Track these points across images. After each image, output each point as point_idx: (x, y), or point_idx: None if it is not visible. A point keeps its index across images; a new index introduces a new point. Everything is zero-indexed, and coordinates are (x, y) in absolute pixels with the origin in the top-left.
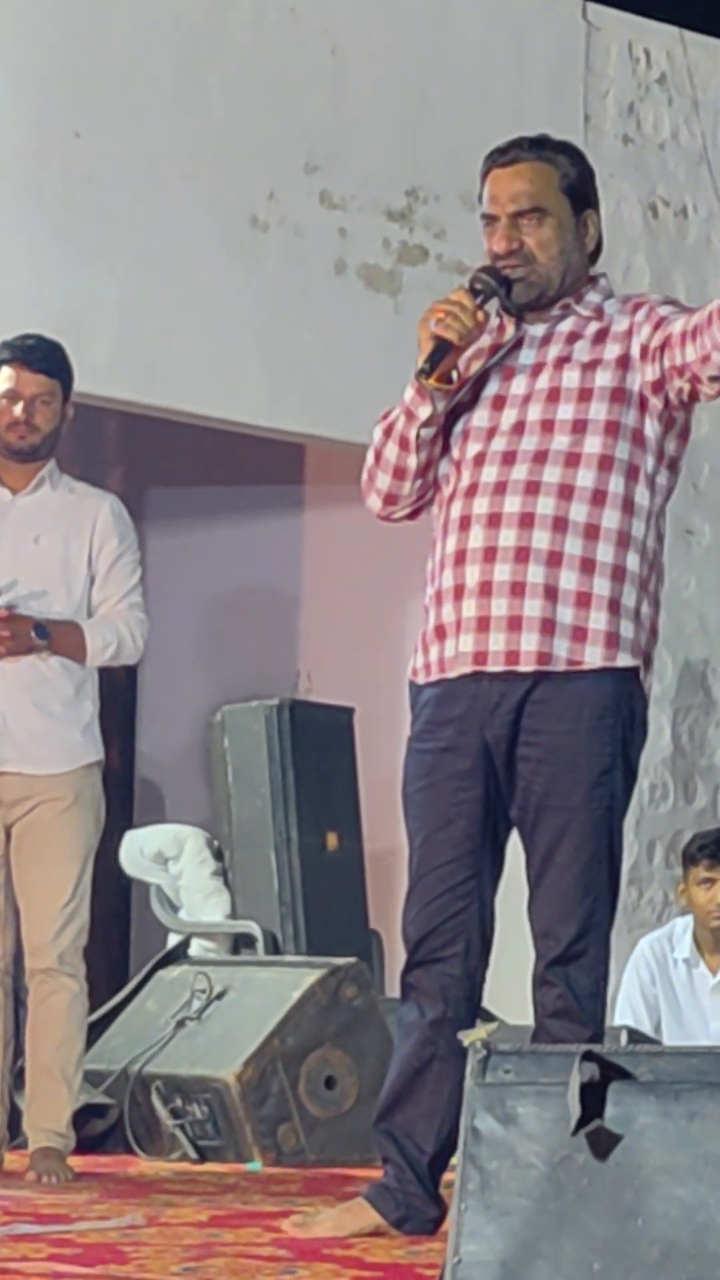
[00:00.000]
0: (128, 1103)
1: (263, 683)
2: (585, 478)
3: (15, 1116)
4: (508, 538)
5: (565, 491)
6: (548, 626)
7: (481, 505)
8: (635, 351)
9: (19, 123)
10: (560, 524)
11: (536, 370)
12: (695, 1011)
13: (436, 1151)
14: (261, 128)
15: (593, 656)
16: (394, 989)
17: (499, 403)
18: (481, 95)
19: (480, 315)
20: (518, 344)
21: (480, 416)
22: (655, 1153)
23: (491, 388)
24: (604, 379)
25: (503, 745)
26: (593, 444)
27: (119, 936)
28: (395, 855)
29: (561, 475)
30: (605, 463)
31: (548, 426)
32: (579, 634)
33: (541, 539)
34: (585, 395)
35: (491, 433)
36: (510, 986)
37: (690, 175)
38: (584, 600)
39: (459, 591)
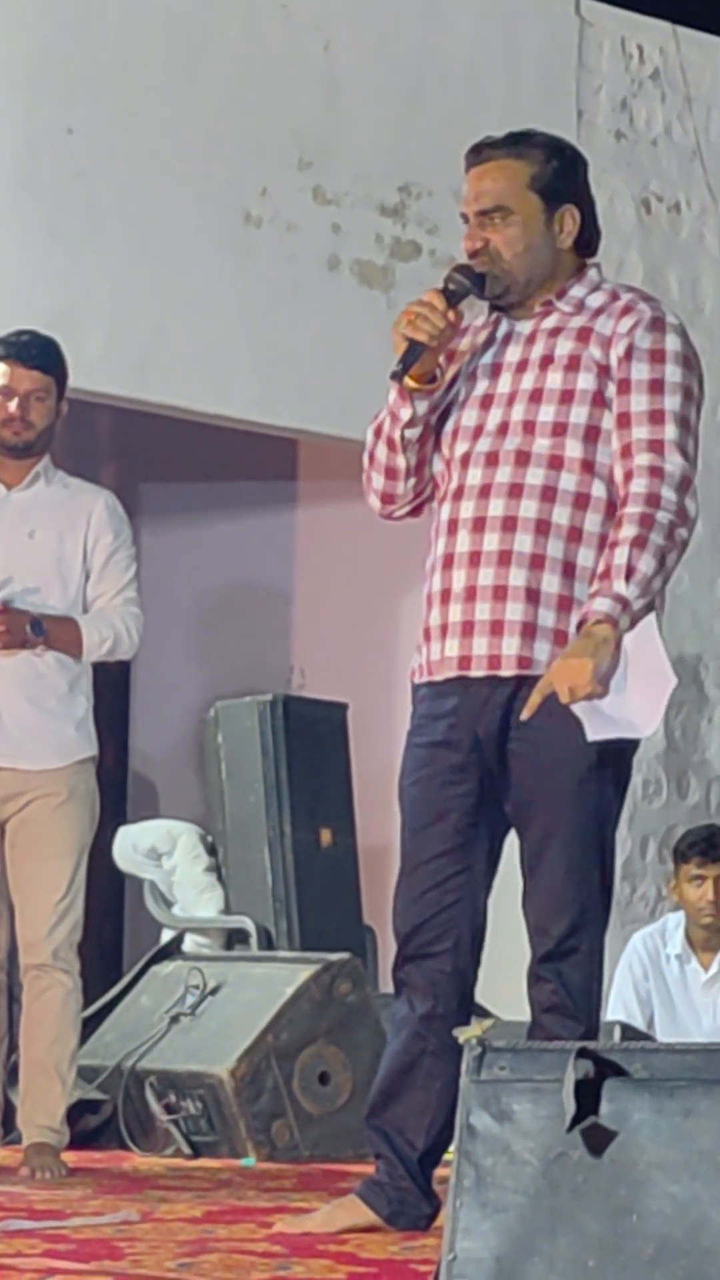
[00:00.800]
0: (122, 1098)
1: (256, 678)
2: (567, 481)
3: (9, 1112)
4: (491, 541)
5: (548, 494)
6: (529, 630)
7: (467, 509)
8: (612, 373)
9: (11, 118)
10: (543, 527)
11: (521, 368)
12: (688, 1007)
13: (427, 1147)
14: (254, 123)
15: None
16: (388, 985)
17: (486, 402)
18: (474, 91)
19: (451, 315)
20: (505, 341)
21: (469, 415)
22: (650, 1149)
23: (480, 386)
24: (585, 381)
25: (493, 741)
26: (573, 447)
27: (113, 932)
28: (389, 851)
29: (544, 478)
30: (586, 466)
31: (529, 428)
32: (560, 637)
33: (524, 542)
34: (566, 397)
35: (478, 432)
36: (504, 981)
37: (683, 171)
38: (565, 604)
39: (445, 595)
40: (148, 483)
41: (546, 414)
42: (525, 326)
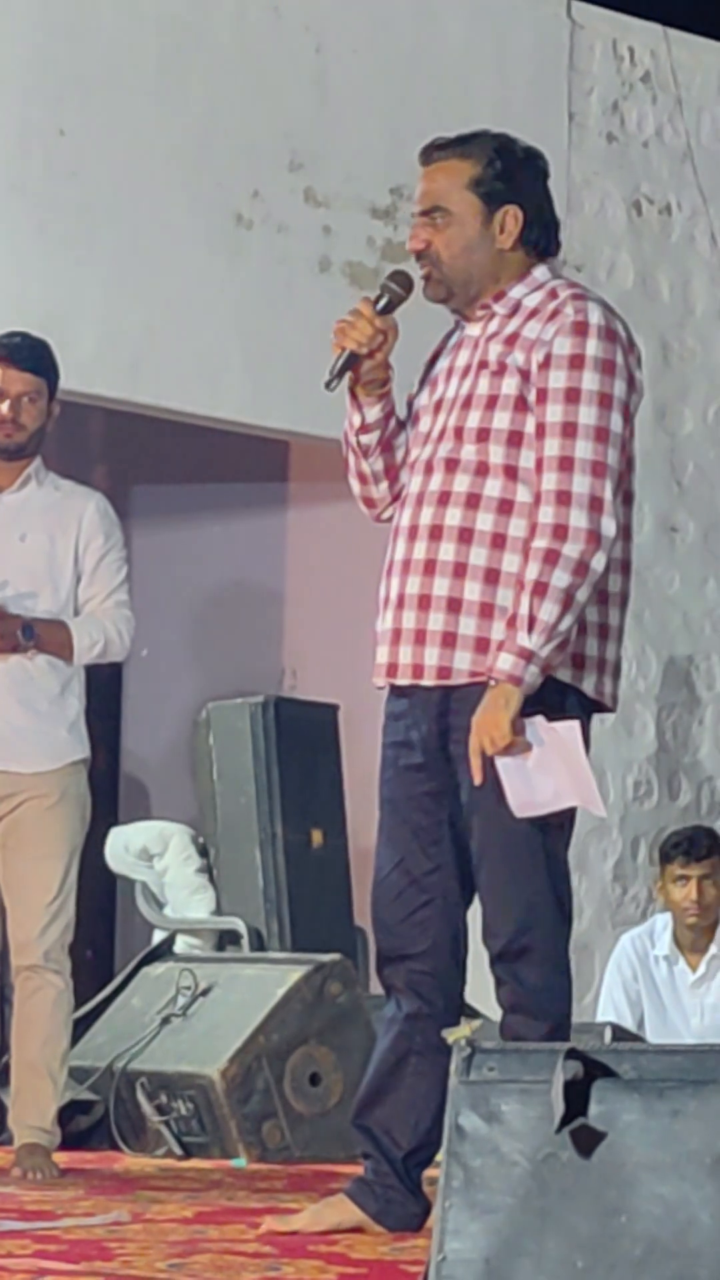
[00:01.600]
0: (113, 1099)
1: (248, 680)
2: (492, 487)
3: (0, 1112)
4: (419, 550)
5: (472, 501)
6: (449, 640)
7: (405, 517)
8: (532, 379)
9: (2, 119)
10: (466, 535)
11: (464, 374)
12: (677, 1008)
13: (414, 1146)
14: (245, 125)
15: None
16: (379, 986)
17: (437, 407)
18: (465, 93)
19: (380, 322)
20: (458, 346)
21: (423, 421)
22: (639, 1150)
23: (436, 392)
24: (509, 386)
25: (433, 743)
26: (497, 453)
27: (104, 933)
28: None
29: (470, 485)
30: (510, 472)
31: (459, 434)
32: (481, 645)
33: (448, 550)
34: (491, 403)
35: (426, 439)
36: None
37: (674, 173)
38: (487, 611)
39: (386, 602)
40: (139, 484)
41: (473, 420)
42: (473, 330)
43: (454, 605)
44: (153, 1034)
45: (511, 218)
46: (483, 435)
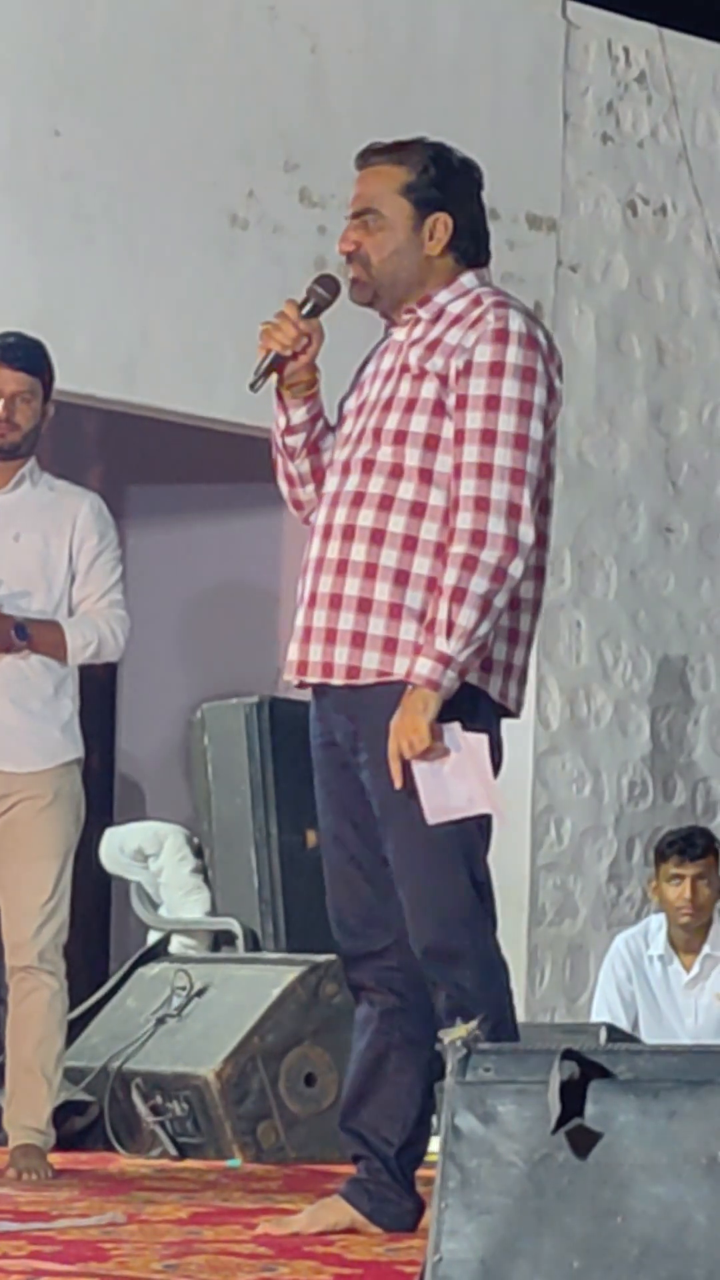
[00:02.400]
0: (108, 1100)
1: (242, 680)
2: (405, 490)
3: None
4: (332, 549)
5: (385, 503)
6: (359, 640)
7: (320, 516)
8: (451, 384)
9: None
10: (378, 536)
11: (386, 377)
12: (671, 1008)
13: (404, 1143)
14: (240, 125)
15: (401, 668)
16: None
17: (360, 410)
18: (461, 93)
19: (304, 325)
20: (384, 350)
21: (347, 424)
22: (635, 1151)
23: (360, 396)
24: (428, 390)
25: (348, 744)
26: (413, 456)
27: (99, 933)
28: None
29: (384, 486)
30: (425, 475)
31: (376, 436)
32: (389, 645)
33: (359, 551)
34: (410, 406)
35: (346, 440)
36: None
37: (669, 173)
38: (396, 611)
39: (299, 600)
40: (134, 485)
41: (391, 422)
42: (399, 335)
43: (364, 605)
44: (148, 1034)
45: (441, 225)
46: (399, 438)
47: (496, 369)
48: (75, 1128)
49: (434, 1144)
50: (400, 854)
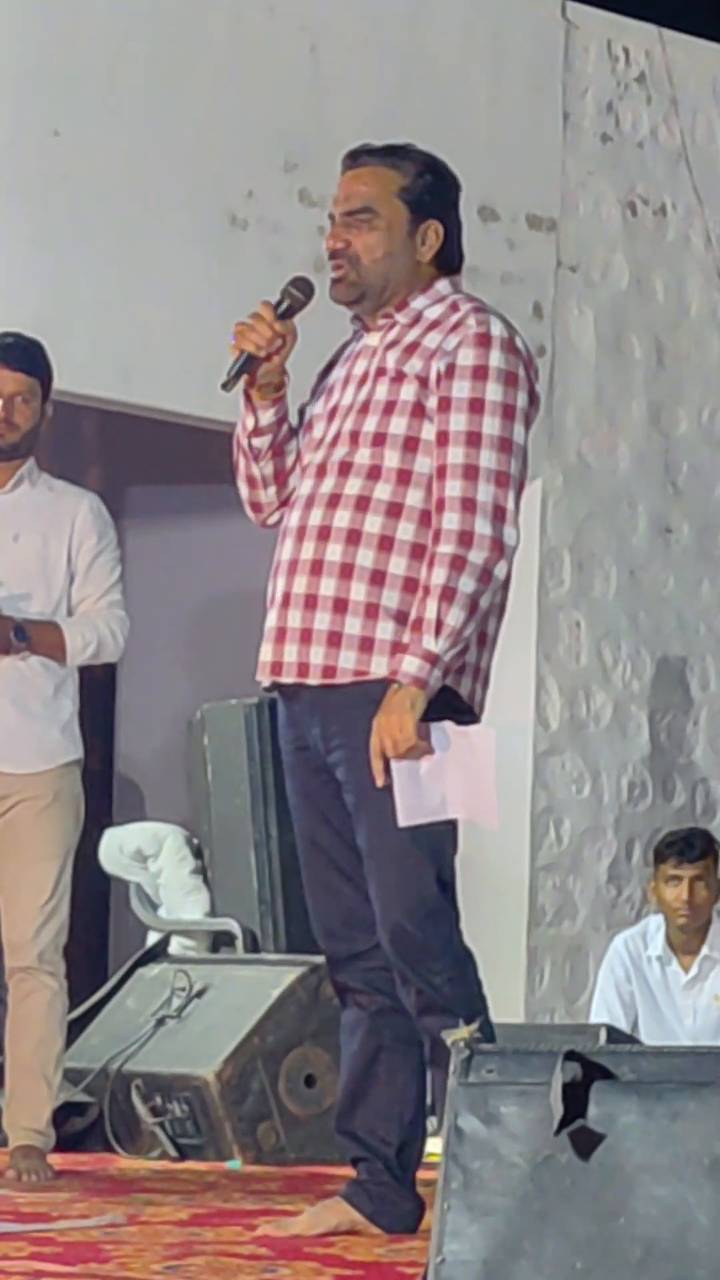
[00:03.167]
0: (107, 1101)
1: (242, 681)
2: (383, 490)
3: None
4: (307, 550)
5: (362, 504)
6: (335, 639)
7: (294, 518)
8: (431, 386)
9: None
10: (354, 536)
11: (361, 381)
12: (670, 1008)
13: (402, 1141)
14: (240, 126)
15: (379, 667)
16: None
17: (332, 414)
18: (460, 93)
19: (279, 326)
20: (356, 354)
21: (318, 428)
22: (637, 1152)
23: (331, 399)
24: (407, 393)
25: (320, 745)
26: (391, 457)
27: (98, 934)
28: None
29: (361, 488)
30: (404, 476)
31: (354, 439)
32: (366, 644)
33: (335, 551)
34: (389, 409)
35: (319, 443)
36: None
37: (669, 173)
38: (373, 611)
39: (271, 601)
40: (133, 485)
41: (369, 425)
42: (372, 339)
43: (340, 605)
44: (147, 1035)
45: (434, 232)
46: (378, 440)
47: (479, 372)
48: (75, 1129)
49: (434, 1145)
50: (371, 847)
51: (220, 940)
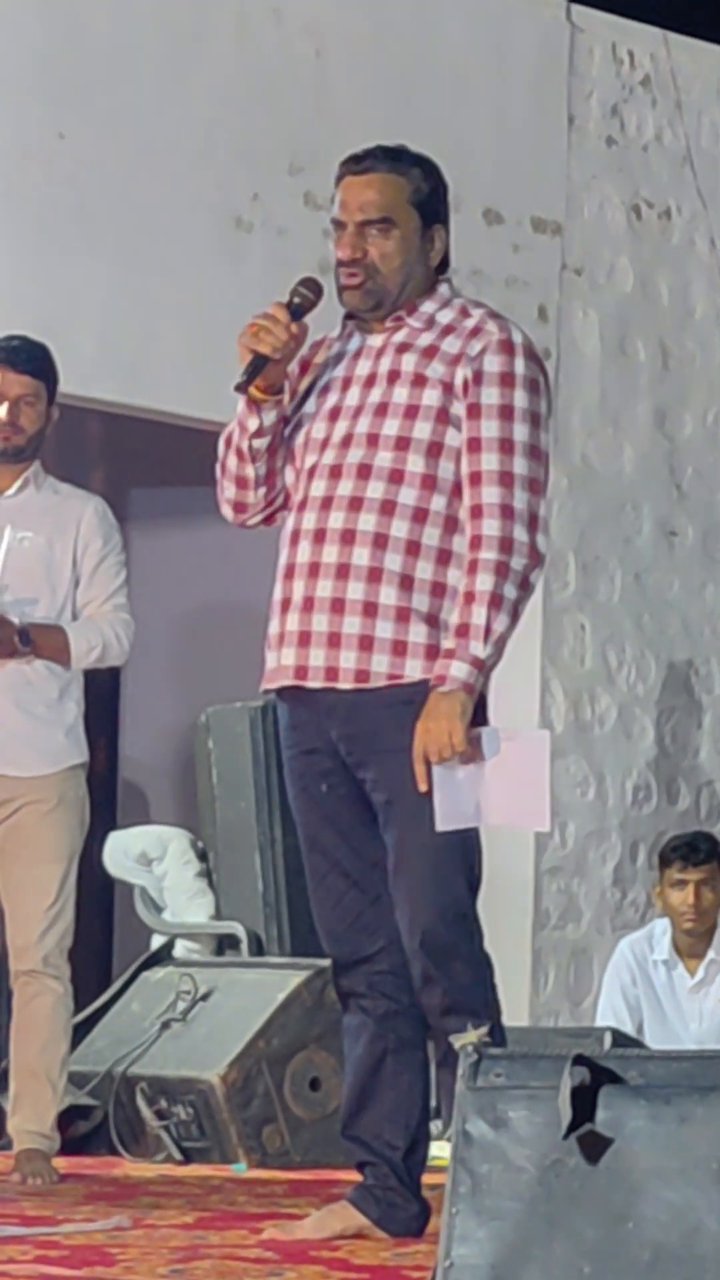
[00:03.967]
0: (112, 1104)
1: (247, 684)
2: (407, 495)
3: (0, 1117)
4: (330, 554)
5: (387, 508)
6: (366, 643)
7: (309, 520)
8: (457, 392)
9: (1, 122)
10: (381, 540)
11: (369, 382)
12: (676, 1012)
13: (408, 1145)
14: (245, 129)
15: (413, 670)
16: None
17: (334, 414)
18: (465, 97)
19: (294, 328)
20: (356, 355)
21: (318, 428)
22: (646, 1156)
23: (329, 399)
24: (430, 398)
25: (342, 745)
26: (415, 462)
27: (102, 938)
28: None
29: (385, 491)
30: (428, 481)
31: (373, 441)
32: (399, 648)
33: (362, 555)
34: (411, 413)
35: (325, 444)
36: None
37: (674, 177)
38: (404, 615)
39: (285, 605)
40: (138, 488)
41: (390, 428)
42: (376, 340)
43: (370, 609)
44: (152, 1039)
45: (440, 237)
46: (401, 444)
47: (507, 379)
48: (80, 1132)
49: (438, 1148)
50: (403, 849)
51: (225, 943)
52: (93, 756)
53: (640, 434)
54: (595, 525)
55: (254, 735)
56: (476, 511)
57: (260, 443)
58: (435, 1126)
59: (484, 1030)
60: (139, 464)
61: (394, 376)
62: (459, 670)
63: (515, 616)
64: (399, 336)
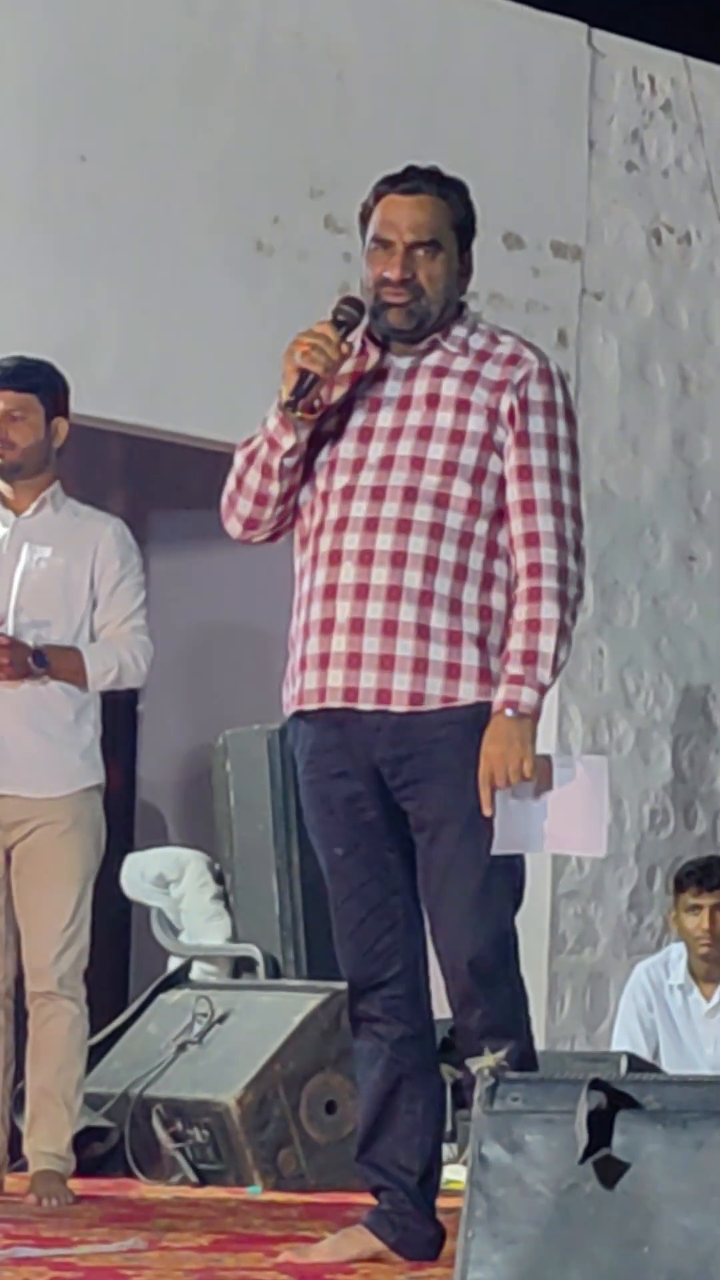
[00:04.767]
0: (128, 1126)
1: (265, 706)
2: (454, 519)
3: (16, 1138)
4: (379, 575)
5: (435, 531)
6: (420, 666)
7: (353, 541)
8: (503, 419)
9: (24, 145)
10: (431, 564)
11: (404, 404)
12: (692, 1037)
13: (424, 1169)
14: (266, 152)
15: (466, 692)
16: None
17: (365, 435)
18: (486, 121)
19: (345, 347)
20: (383, 375)
21: (347, 448)
22: (662, 1181)
23: (357, 419)
24: (475, 424)
25: (387, 769)
26: (461, 487)
27: (119, 959)
28: None
29: (432, 515)
30: (473, 506)
31: (418, 464)
32: (453, 670)
33: (413, 578)
34: (457, 438)
35: (359, 465)
36: None
37: (694, 202)
38: (455, 638)
39: (328, 625)
40: (157, 510)
41: (436, 452)
42: (404, 362)
43: (423, 631)
44: (168, 1061)
45: (470, 261)
46: (448, 469)
47: (550, 409)
48: (96, 1153)
49: (453, 1172)
50: (454, 870)
51: (242, 966)
52: (110, 778)
53: (659, 459)
54: (614, 549)
55: (271, 758)
56: (532, 540)
57: (290, 461)
58: (450, 1150)
59: (501, 1054)
60: (158, 486)
61: (433, 400)
62: (529, 697)
63: (570, 644)
64: (431, 359)
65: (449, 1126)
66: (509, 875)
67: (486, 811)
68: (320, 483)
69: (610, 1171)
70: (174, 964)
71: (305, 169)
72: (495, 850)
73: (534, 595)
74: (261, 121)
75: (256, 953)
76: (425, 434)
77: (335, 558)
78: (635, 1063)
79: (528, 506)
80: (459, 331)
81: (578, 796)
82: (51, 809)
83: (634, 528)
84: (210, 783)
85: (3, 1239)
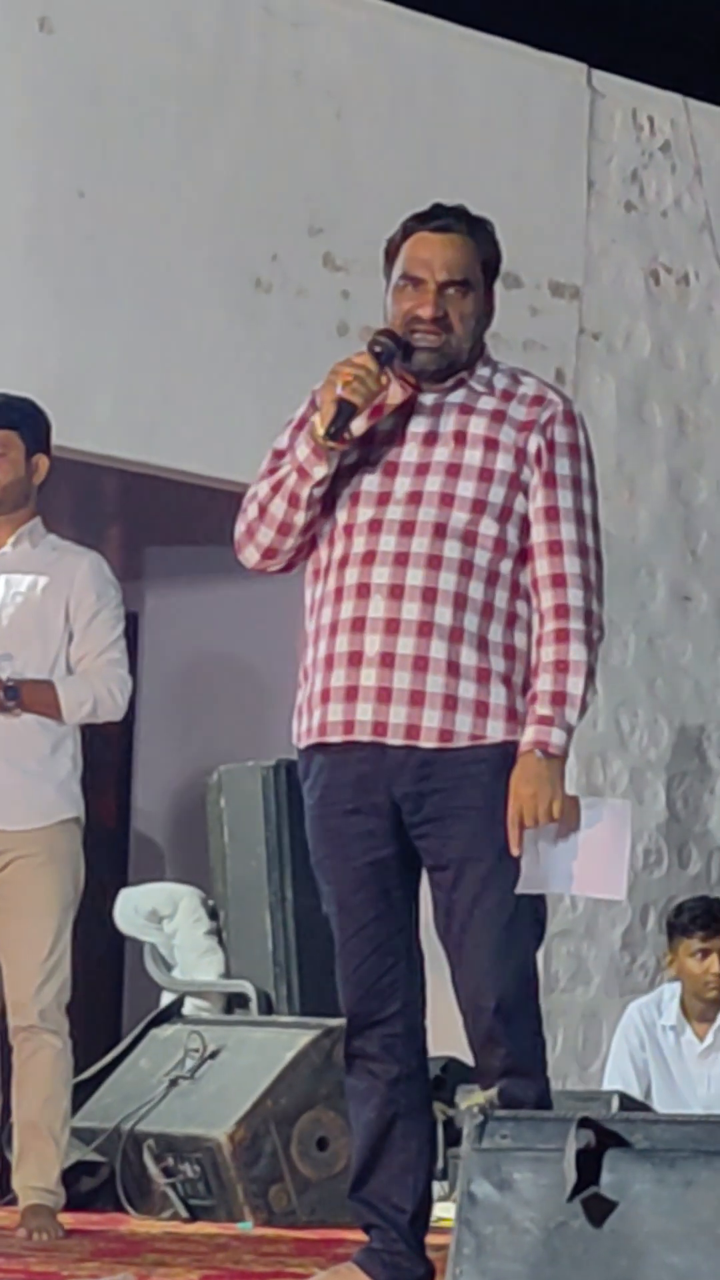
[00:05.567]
0: (119, 1160)
1: (260, 742)
2: (481, 557)
3: (5, 1172)
4: (410, 610)
5: (465, 569)
6: (450, 703)
7: (381, 575)
8: (530, 460)
9: (22, 181)
10: (460, 600)
11: (430, 440)
12: (684, 1077)
13: (416, 1208)
14: (265, 189)
15: (494, 731)
16: None
17: (391, 469)
18: (485, 160)
19: (384, 379)
20: (406, 410)
21: (371, 481)
22: (650, 1220)
23: (381, 452)
24: (504, 463)
25: (409, 804)
26: (489, 525)
27: (112, 994)
28: None
29: (461, 552)
30: (500, 545)
31: (447, 501)
32: (481, 708)
33: (444, 615)
34: (486, 476)
35: (385, 499)
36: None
37: (692, 243)
38: (484, 675)
39: (356, 659)
40: (153, 546)
41: (465, 489)
42: (428, 398)
43: (453, 669)
44: (160, 1096)
45: (494, 301)
46: (478, 506)
47: (575, 451)
48: (86, 1188)
49: (441, 1209)
50: (478, 908)
51: (234, 1002)
52: (104, 813)
53: (656, 498)
54: (609, 589)
55: (266, 794)
56: (559, 580)
57: (319, 491)
58: (441, 1188)
59: (492, 1093)
60: (155, 522)
61: (461, 438)
62: (558, 738)
63: (593, 686)
64: (456, 397)
65: (440, 1164)
66: (533, 915)
67: (515, 851)
68: (342, 515)
69: (598, 1210)
70: (167, 999)
71: (304, 207)
72: (520, 889)
73: (562, 636)
74: (260, 159)
75: (249, 988)
76: (454, 471)
77: (363, 590)
78: (627, 1102)
79: (554, 548)
80: (484, 371)
81: (603, 839)
82: (27, 841)
83: (630, 567)
84: (205, 818)
85: None
